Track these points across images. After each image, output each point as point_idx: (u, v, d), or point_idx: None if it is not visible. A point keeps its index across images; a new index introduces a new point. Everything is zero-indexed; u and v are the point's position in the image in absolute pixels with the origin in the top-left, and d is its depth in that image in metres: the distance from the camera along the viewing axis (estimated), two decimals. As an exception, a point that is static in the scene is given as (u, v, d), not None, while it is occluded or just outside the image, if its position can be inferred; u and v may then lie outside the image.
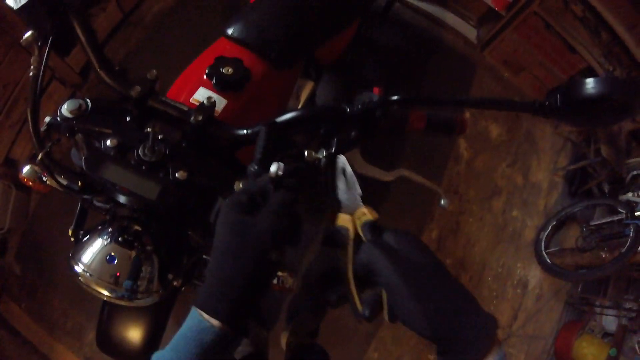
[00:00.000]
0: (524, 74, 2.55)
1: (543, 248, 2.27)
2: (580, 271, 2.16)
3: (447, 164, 2.32)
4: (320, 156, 0.56)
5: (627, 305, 2.16)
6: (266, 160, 0.54)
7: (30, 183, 0.75)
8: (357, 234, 0.44)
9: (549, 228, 2.31)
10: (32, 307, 1.72)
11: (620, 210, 2.14)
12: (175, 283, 0.79)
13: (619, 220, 2.13)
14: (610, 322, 2.22)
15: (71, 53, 1.73)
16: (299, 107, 1.20)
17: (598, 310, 2.25)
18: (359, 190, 0.47)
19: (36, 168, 0.71)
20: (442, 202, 0.72)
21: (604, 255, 2.09)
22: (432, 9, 2.57)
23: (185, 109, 0.63)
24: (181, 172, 0.60)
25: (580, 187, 2.48)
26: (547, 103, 0.59)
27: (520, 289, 2.26)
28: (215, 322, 0.39)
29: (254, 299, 0.42)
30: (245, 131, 0.60)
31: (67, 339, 1.72)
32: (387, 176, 0.65)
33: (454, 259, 2.18)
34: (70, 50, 0.71)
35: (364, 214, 0.44)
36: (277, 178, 0.43)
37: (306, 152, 0.52)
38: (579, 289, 2.30)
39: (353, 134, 0.57)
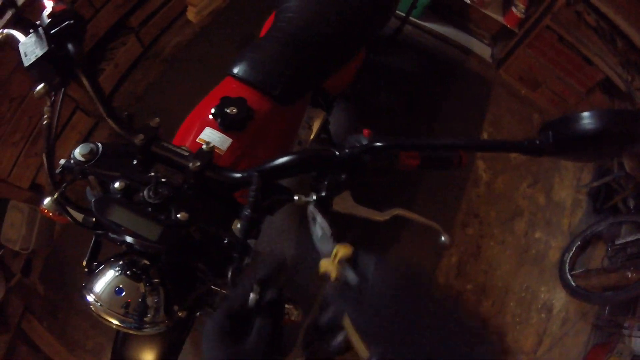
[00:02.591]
0: (542, 90, 2.51)
1: (567, 270, 2.18)
2: (606, 293, 2.06)
3: (465, 186, 2.28)
4: (311, 200, 0.58)
5: (657, 325, 2.04)
6: (258, 204, 0.57)
7: (51, 214, 0.81)
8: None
9: (574, 248, 2.22)
10: (54, 326, 1.78)
11: (647, 226, 2.05)
12: (180, 314, 0.82)
13: (645, 238, 2.04)
14: (639, 344, 2.10)
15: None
16: (311, 137, 1.22)
17: (626, 332, 2.13)
18: (329, 232, 0.47)
19: (53, 202, 0.76)
20: (442, 238, 0.72)
21: (630, 275, 1.99)
22: (445, 29, 2.58)
23: (186, 154, 0.66)
24: (182, 213, 0.63)
25: (605, 203, 2.38)
26: (537, 142, 0.57)
27: (545, 313, 2.17)
28: None
29: None
30: (239, 175, 0.63)
31: (87, 357, 1.76)
32: (381, 216, 0.65)
33: (475, 284, 2.11)
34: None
35: (336, 253, 0.45)
36: (257, 304, 0.44)
37: (296, 197, 0.54)
38: (607, 311, 2.19)
39: (343, 177, 0.59)
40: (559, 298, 2.20)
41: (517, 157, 2.42)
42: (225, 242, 0.64)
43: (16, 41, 0.73)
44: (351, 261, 0.43)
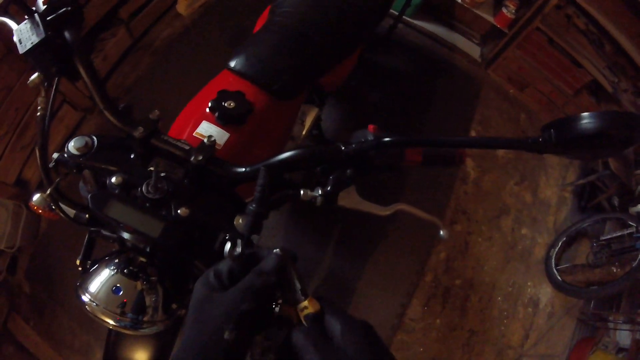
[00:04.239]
0: (530, 90, 2.55)
1: (553, 265, 2.23)
2: (592, 288, 2.11)
3: (454, 184, 2.31)
4: (317, 194, 0.57)
5: (641, 319, 2.10)
6: (265, 199, 0.56)
7: (40, 211, 0.78)
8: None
9: (559, 245, 2.28)
10: (40, 325, 1.74)
11: (631, 223, 2.10)
12: (179, 313, 0.81)
13: (630, 234, 2.09)
14: (624, 337, 2.15)
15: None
16: (304, 133, 1.22)
17: (611, 325, 2.19)
18: (298, 285, 0.45)
19: (46, 197, 0.73)
20: (441, 233, 0.73)
21: (615, 271, 2.04)
22: (436, 28, 2.60)
23: (187, 147, 0.65)
24: (183, 209, 0.62)
25: (589, 201, 2.45)
26: (540, 139, 0.57)
27: (531, 308, 2.22)
28: None
29: None
30: (243, 169, 0.62)
31: (75, 357, 1.72)
32: (384, 211, 0.65)
33: (463, 280, 2.15)
34: (80, 76, 0.72)
35: (306, 307, 0.44)
36: (241, 257, 0.43)
37: (302, 191, 0.53)
38: (592, 305, 2.25)
39: (349, 172, 0.58)
40: (545, 293, 2.26)
41: (504, 156, 2.47)
42: (227, 237, 0.63)
43: (7, 29, 0.70)
44: (318, 319, 0.42)
